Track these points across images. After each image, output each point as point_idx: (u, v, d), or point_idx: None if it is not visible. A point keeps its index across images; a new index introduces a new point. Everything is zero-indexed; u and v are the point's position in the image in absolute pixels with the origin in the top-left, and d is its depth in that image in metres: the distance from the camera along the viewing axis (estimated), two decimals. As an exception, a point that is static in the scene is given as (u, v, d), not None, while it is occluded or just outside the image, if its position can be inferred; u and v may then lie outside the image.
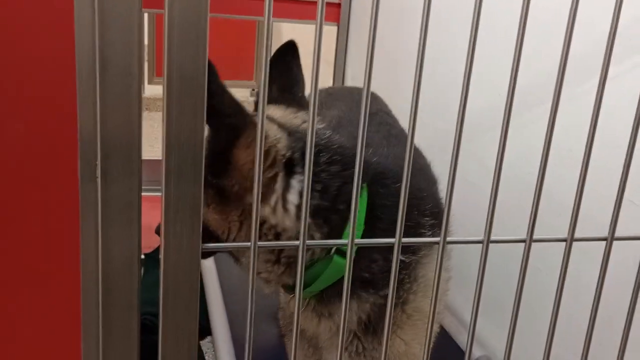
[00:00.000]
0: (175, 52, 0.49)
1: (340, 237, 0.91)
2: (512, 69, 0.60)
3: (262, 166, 0.56)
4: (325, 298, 0.97)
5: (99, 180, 0.49)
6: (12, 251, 0.67)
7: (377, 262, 0.95)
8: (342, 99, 1.59)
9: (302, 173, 0.89)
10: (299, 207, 0.89)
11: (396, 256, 0.62)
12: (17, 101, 0.59)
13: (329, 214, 0.91)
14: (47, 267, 0.68)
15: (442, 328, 1.67)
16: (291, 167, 0.90)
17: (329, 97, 1.66)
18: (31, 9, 0.56)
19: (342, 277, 0.88)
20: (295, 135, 0.92)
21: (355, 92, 1.66)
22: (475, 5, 0.58)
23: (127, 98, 0.49)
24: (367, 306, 0.97)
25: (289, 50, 1.06)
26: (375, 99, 1.59)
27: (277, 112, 1.01)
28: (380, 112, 1.48)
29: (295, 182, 0.89)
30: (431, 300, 0.66)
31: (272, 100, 1.04)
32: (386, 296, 0.94)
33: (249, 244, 0.57)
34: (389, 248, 0.94)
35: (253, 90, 5.21)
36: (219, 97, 0.79)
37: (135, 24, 0.49)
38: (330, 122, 1.46)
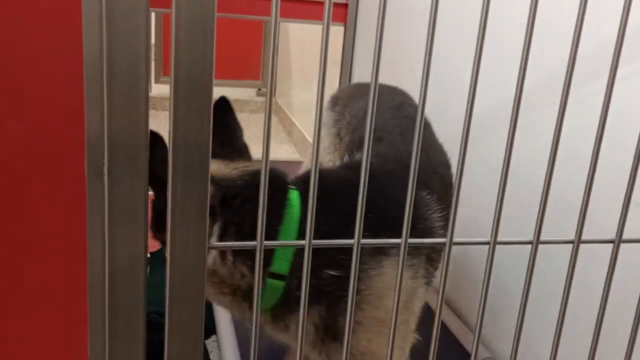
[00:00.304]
0: (183, 52, 0.49)
1: (266, 269, 0.99)
2: (520, 67, 0.60)
3: (267, 166, 0.56)
4: (277, 314, 1.05)
5: (105, 179, 0.49)
6: (19, 250, 0.67)
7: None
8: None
9: (220, 220, 0.96)
10: (221, 252, 0.97)
11: (402, 259, 0.62)
12: (25, 100, 0.59)
13: (248, 251, 0.98)
14: (53, 265, 0.69)
15: (447, 329, 1.67)
16: (212, 214, 0.96)
17: (357, 89, 1.69)
18: (39, 9, 0.56)
19: (284, 295, 1.00)
20: (220, 184, 0.98)
21: (383, 86, 1.67)
22: (482, 6, 0.58)
23: (134, 98, 0.49)
24: (314, 319, 1.04)
25: (223, 106, 1.13)
26: (401, 94, 1.60)
27: (213, 166, 1.09)
28: (404, 105, 1.49)
29: (216, 228, 0.96)
30: (437, 306, 0.65)
31: (214, 155, 1.14)
32: (327, 306, 1.02)
33: (255, 243, 0.57)
34: (322, 265, 1.00)
35: (259, 90, 5.22)
36: (162, 167, 0.87)
37: (143, 23, 0.49)
38: (357, 113, 1.52)
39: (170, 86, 0.49)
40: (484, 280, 0.67)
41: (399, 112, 1.44)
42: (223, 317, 1.58)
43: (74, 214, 0.68)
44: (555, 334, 0.72)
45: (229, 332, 1.52)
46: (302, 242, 0.60)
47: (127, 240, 0.52)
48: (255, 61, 4.98)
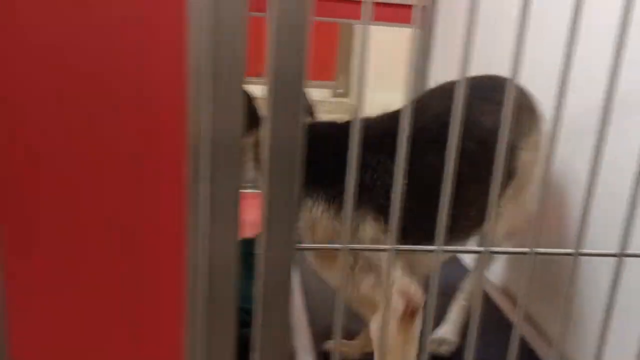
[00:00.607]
0: (279, 55, 0.51)
1: None
2: (612, 66, 0.58)
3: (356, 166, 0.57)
4: None
5: (207, 180, 0.51)
6: (122, 246, 0.69)
7: None
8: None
9: None
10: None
11: (480, 266, 0.62)
12: (132, 101, 0.62)
13: None
14: (148, 263, 0.71)
15: (524, 341, 1.63)
16: None
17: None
18: (147, 16, 0.59)
19: None
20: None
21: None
22: (574, 11, 0.57)
23: (235, 101, 0.51)
24: None
25: None
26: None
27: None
28: (497, 82, 1.45)
29: None
30: (516, 319, 0.64)
31: None
32: None
33: (341, 246, 0.58)
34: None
35: (335, 91, 5.22)
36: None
37: (243, 28, 0.51)
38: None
39: (268, 89, 0.51)
40: (566, 292, 0.66)
41: (474, 81, 1.40)
42: (298, 312, 1.60)
43: (181, 212, 0.70)
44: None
45: (303, 328, 1.54)
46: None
47: (225, 238, 0.54)
48: (330, 63, 4.99)
